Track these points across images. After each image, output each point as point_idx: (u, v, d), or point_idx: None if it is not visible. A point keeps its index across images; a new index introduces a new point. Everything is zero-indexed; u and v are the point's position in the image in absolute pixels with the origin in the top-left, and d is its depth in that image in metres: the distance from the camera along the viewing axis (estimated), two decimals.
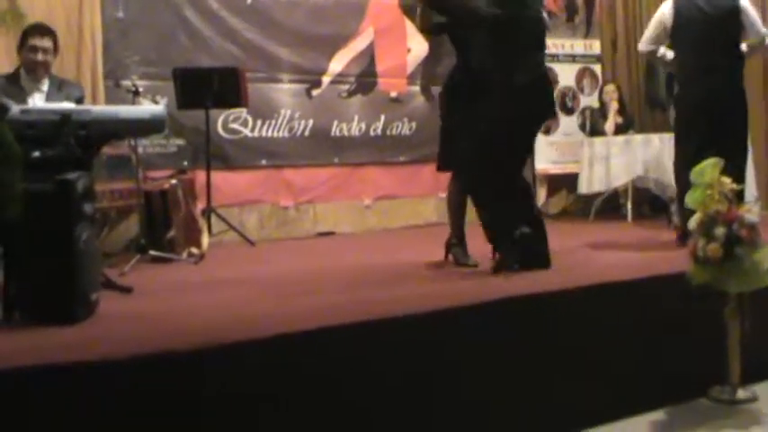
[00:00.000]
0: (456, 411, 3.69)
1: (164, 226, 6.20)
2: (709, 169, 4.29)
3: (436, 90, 7.20)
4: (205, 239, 6.50)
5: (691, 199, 4.35)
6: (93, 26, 7.04)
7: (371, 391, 3.51)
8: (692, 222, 4.30)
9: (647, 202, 8.84)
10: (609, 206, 9.03)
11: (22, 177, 3.56)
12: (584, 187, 8.83)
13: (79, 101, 5.52)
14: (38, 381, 2.86)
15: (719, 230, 4.15)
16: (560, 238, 7.32)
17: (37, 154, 3.97)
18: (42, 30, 5.66)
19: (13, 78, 5.59)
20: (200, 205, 6.84)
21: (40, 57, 5.55)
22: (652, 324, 4.32)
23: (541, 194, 9.45)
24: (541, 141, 9.31)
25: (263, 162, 7.98)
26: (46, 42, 5.59)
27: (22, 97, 5.30)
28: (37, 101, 5.48)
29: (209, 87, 6.99)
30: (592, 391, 4.07)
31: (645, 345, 4.30)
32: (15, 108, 4.20)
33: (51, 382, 2.87)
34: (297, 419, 3.30)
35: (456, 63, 5.49)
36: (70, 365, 2.94)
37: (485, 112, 4.93)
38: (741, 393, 4.30)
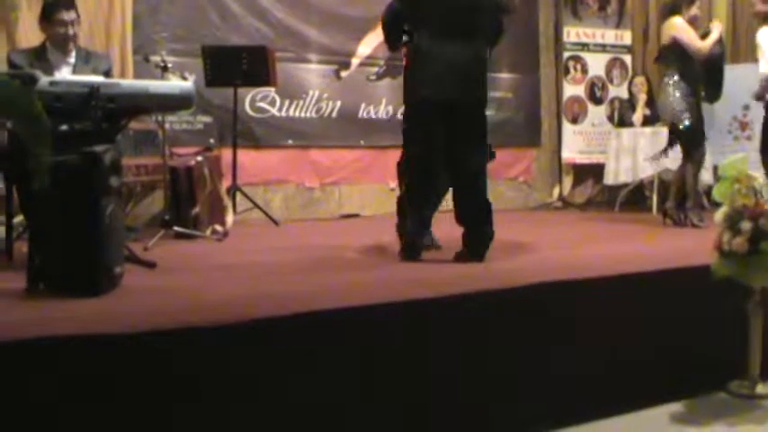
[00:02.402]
0: (481, 392, 3.70)
1: (189, 202, 6.21)
2: (737, 163, 4.27)
3: None
4: (229, 217, 6.53)
5: (718, 192, 4.33)
6: (123, 0, 7.05)
7: (393, 368, 3.52)
8: (718, 215, 4.27)
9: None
10: (634, 197, 9.00)
11: (50, 149, 3.57)
12: (610, 178, 8.83)
13: (107, 73, 5.50)
14: (61, 351, 2.88)
15: (746, 225, 4.12)
16: (585, 228, 7.33)
17: (65, 127, 4.00)
18: (66, 2, 5.59)
19: (40, 52, 5.54)
20: (226, 183, 6.87)
21: (70, 30, 5.50)
22: (672, 316, 4.30)
23: (567, 184, 9.45)
24: (569, 130, 9.32)
25: (290, 142, 8.00)
26: (72, 14, 5.53)
27: (49, 71, 5.27)
28: (65, 74, 5.46)
29: (237, 65, 7.00)
30: (610, 383, 4.06)
31: (664, 336, 4.28)
32: (44, 79, 4.22)
33: (74, 352, 2.90)
34: (321, 394, 3.31)
35: None
36: (93, 337, 2.96)
37: None
38: (761, 388, 4.27)
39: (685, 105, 6.79)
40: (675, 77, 6.86)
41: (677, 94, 6.83)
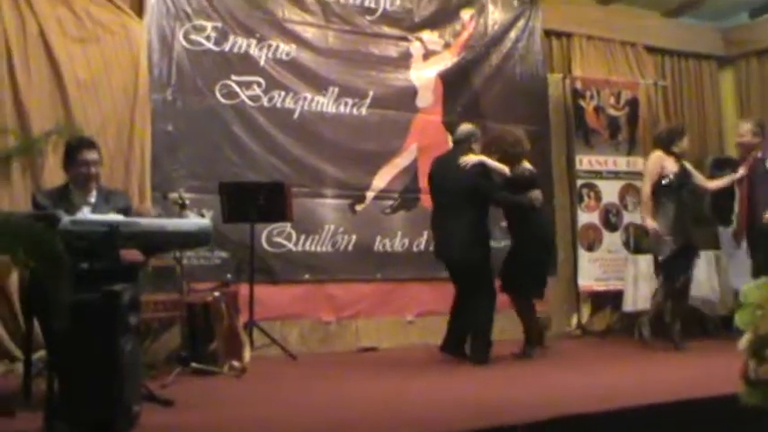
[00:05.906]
0: None
1: (206, 338, 6.20)
2: (759, 288, 4.23)
3: None
4: (247, 353, 6.48)
5: (740, 320, 4.28)
6: (143, 139, 7.18)
7: None
8: (743, 343, 4.22)
9: (694, 321, 8.70)
10: (656, 324, 8.90)
11: (71, 288, 3.59)
12: (628, 305, 8.74)
13: (125, 210, 5.51)
14: None
15: None
16: (605, 357, 7.25)
17: (85, 265, 4.02)
18: (88, 143, 5.66)
19: (63, 192, 5.58)
20: (243, 318, 6.85)
21: (93, 170, 5.54)
22: None
23: (585, 312, 9.36)
24: (585, 258, 9.29)
25: (306, 276, 7.99)
26: (94, 154, 5.57)
27: (71, 211, 5.29)
28: (86, 213, 5.48)
29: (254, 202, 7.04)
30: None
31: None
32: (66, 219, 4.26)
33: None
34: None
35: None
36: None
37: None
38: None
39: (664, 238, 7.41)
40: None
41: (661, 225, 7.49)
